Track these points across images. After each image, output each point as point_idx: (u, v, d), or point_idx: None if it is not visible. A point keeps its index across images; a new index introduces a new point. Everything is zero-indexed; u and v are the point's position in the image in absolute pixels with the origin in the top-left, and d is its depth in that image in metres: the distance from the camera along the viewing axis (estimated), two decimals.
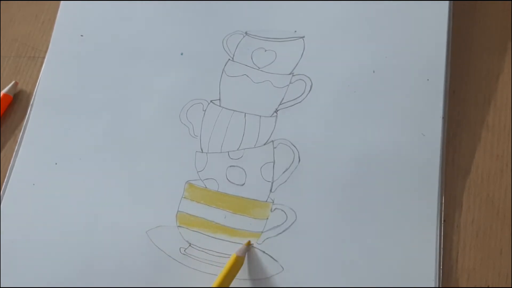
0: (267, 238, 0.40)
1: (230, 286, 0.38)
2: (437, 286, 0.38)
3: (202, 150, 0.43)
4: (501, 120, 0.43)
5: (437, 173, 0.40)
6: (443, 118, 0.42)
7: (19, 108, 0.47)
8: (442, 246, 0.39)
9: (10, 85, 0.46)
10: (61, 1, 0.48)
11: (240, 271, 0.39)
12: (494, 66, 0.44)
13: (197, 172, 0.42)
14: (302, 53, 0.45)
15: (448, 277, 0.39)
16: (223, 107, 0.44)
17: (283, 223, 0.40)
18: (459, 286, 0.39)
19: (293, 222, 0.40)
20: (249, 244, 0.40)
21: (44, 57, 0.47)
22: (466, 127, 0.43)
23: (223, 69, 0.45)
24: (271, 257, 0.40)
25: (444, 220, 0.40)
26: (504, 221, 0.40)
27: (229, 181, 0.42)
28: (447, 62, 0.43)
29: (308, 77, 0.44)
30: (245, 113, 0.43)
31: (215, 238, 0.41)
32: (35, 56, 0.48)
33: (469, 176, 0.41)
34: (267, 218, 0.41)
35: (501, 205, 0.41)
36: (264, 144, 0.43)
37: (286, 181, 0.41)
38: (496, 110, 0.43)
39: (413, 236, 0.39)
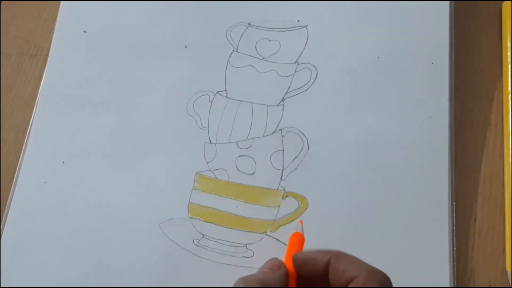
0: (281, 226, 0.40)
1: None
2: (451, 286, 0.38)
3: (210, 141, 0.43)
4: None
5: (447, 156, 0.41)
6: (450, 100, 0.42)
7: (20, 107, 0.46)
8: (455, 239, 0.39)
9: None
10: None
11: (252, 260, 0.39)
12: (496, 66, 0.45)
13: (207, 163, 0.42)
14: (306, 41, 0.45)
15: None
16: (230, 98, 0.44)
17: (295, 210, 0.40)
18: (462, 286, 0.39)
19: (305, 209, 0.40)
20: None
21: (46, 55, 0.47)
22: (469, 126, 0.43)
23: (228, 60, 0.45)
24: (285, 244, 0.40)
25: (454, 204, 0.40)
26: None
27: (239, 170, 0.42)
28: (450, 44, 0.43)
29: (313, 65, 0.44)
30: (252, 103, 0.43)
31: (228, 228, 0.41)
32: (37, 54, 0.48)
33: (472, 175, 0.42)
34: (279, 206, 0.41)
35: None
36: (273, 133, 0.43)
37: (296, 168, 0.41)
38: (499, 110, 0.43)
39: (425, 227, 0.39)
